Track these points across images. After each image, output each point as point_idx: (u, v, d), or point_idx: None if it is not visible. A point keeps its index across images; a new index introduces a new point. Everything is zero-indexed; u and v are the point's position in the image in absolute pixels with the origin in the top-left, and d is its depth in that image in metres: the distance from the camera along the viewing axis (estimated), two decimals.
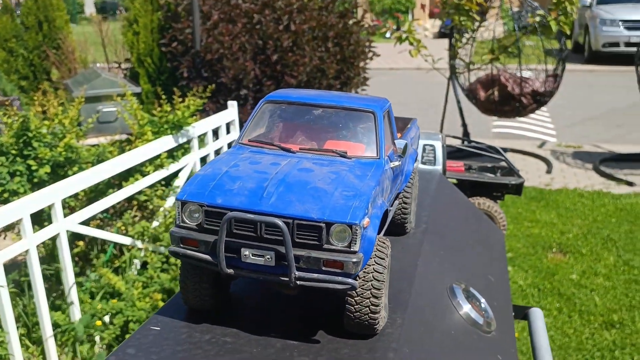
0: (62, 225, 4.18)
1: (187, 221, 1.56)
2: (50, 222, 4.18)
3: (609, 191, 8.60)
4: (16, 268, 4.93)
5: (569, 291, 5.93)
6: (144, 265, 4.97)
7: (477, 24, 8.25)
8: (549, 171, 9.61)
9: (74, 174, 4.59)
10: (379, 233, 1.62)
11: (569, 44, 21.11)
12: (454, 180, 6.03)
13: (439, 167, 4.63)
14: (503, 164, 6.68)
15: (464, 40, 8.66)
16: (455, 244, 2.20)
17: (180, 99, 5.45)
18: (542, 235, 7.19)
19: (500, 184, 6.26)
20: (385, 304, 1.62)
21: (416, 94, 15.37)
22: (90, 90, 7.01)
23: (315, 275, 1.48)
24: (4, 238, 4.89)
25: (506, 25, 9.93)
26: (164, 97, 5.59)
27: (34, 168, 4.55)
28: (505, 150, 10.01)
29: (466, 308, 1.81)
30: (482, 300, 1.90)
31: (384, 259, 1.56)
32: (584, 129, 12.16)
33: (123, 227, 5.01)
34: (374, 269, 1.54)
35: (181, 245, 1.56)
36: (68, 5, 29.86)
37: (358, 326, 1.56)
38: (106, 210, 5.16)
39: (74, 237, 4.88)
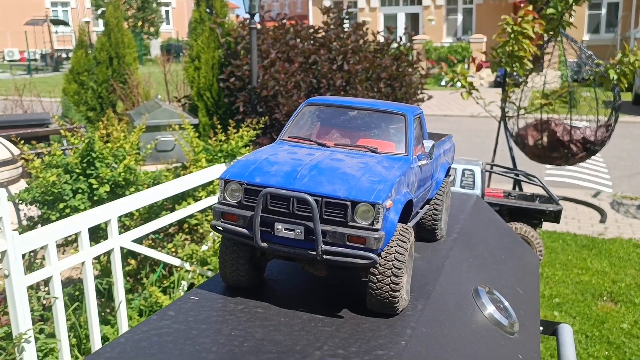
0: (116, 241, 4.38)
1: (228, 199, 1.72)
2: (105, 240, 4.40)
3: None
4: (72, 284, 5.17)
5: (619, 340, 5.75)
6: (191, 286, 5.12)
7: (528, 70, 8.31)
8: (602, 221, 9.39)
9: (131, 194, 4.83)
10: (404, 222, 1.73)
11: (630, 96, 20.74)
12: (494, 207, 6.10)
13: (477, 191, 4.68)
14: (542, 192, 6.73)
15: (515, 85, 8.69)
16: (485, 254, 2.25)
17: (235, 131, 5.69)
18: (593, 283, 7.01)
19: (537, 210, 6.33)
20: (407, 289, 1.72)
21: (469, 140, 15.35)
22: (151, 119, 7.37)
23: (340, 249, 1.61)
24: (63, 253, 5.15)
25: (563, 76, 9.92)
26: (219, 127, 5.85)
27: (95, 186, 4.82)
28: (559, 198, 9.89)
29: (490, 309, 1.86)
30: (506, 303, 1.95)
31: (405, 242, 1.67)
32: None
33: (173, 249, 5.20)
34: (395, 250, 1.65)
35: (222, 220, 1.72)
36: (137, 47, 31.35)
37: (379, 304, 1.66)
38: (158, 232, 5.37)
39: (126, 255, 5.10)
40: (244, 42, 8.29)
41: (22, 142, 5.19)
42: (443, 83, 24.10)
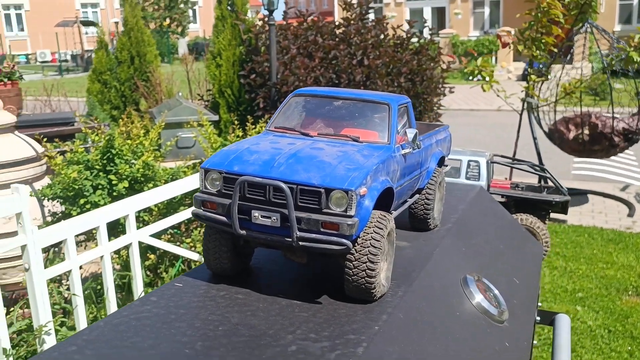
0: (134, 236, 4.47)
1: (208, 187, 1.77)
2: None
3: None
4: (94, 279, 5.28)
5: None
6: None
7: (551, 57, 8.21)
8: (630, 214, 9.22)
9: (149, 190, 4.91)
10: (385, 210, 1.75)
11: None
12: (500, 198, 6.04)
13: (482, 182, 4.63)
14: (550, 183, 6.66)
15: (539, 76, 8.59)
16: (480, 244, 2.24)
17: (253, 127, 5.75)
18: (618, 278, 6.89)
19: (544, 201, 6.24)
20: (387, 276, 1.73)
21: (494, 134, 15.20)
22: (172, 116, 7.47)
23: (314, 236, 1.63)
24: (85, 248, 5.26)
25: (594, 68, 9.78)
26: (236, 123, 5.91)
27: (114, 182, 4.92)
28: (584, 192, 9.76)
29: (478, 297, 1.86)
30: (496, 292, 1.94)
31: (382, 229, 1.68)
32: None
33: (192, 244, 5.27)
34: (372, 236, 1.67)
35: (202, 208, 1.76)
36: (163, 46, 31.77)
37: (356, 290, 1.68)
38: (177, 227, 5.45)
39: (146, 250, 5.19)
40: (264, 38, 8.34)
41: (46, 140, 5.32)
42: (470, 77, 23.87)
